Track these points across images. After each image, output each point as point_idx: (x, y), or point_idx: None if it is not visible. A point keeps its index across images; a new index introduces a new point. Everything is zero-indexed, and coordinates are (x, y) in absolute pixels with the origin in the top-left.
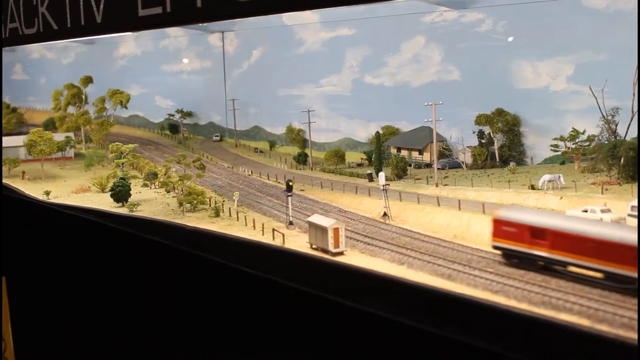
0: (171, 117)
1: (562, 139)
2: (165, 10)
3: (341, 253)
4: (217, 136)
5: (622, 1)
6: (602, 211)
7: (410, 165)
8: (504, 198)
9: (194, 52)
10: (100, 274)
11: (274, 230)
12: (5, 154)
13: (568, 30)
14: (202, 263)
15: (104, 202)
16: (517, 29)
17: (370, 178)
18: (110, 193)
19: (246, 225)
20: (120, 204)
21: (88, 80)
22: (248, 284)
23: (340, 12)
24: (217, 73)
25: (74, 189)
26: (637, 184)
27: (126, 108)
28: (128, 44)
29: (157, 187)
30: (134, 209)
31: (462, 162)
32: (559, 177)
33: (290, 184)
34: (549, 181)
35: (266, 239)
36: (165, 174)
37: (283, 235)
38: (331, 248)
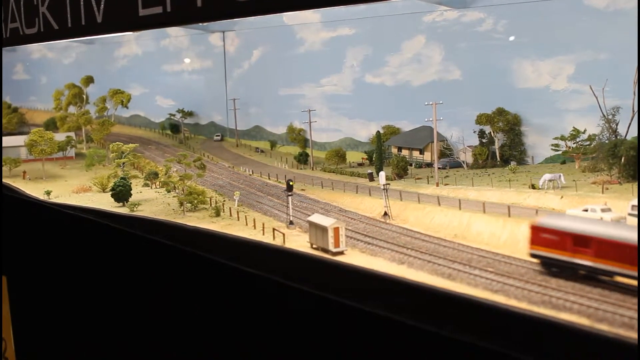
0: (172, 117)
1: (562, 138)
2: (166, 10)
3: (341, 252)
4: (218, 136)
5: (622, 0)
6: (603, 210)
7: (411, 165)
8: (504, 197)
9: (194, 51)
10: (100, 274)
11: (274, 229)
12: (6, 153)
13: (569, 30)
14: (203, 263)
15: (105, 202)
16: (518, 28)
17: (371, 178)
18: (111, 193)
19: (247, 224)
20: (121, 203)
21: (89, 80)
22: (248, 283)
23: (341, 12)
24: (218, 73)
25: (74, 188)
26: (637, 183)
27: (127, 108)
28: (129, 44)
29: (157, 186)
30: (135, 209)
31: (463, 162)
32: (560, 176)
33: (291, 183)
34: (550, 180)
35: (267, 238)
36: (165, 174)
37: (283, 234)
38: (331, 247)
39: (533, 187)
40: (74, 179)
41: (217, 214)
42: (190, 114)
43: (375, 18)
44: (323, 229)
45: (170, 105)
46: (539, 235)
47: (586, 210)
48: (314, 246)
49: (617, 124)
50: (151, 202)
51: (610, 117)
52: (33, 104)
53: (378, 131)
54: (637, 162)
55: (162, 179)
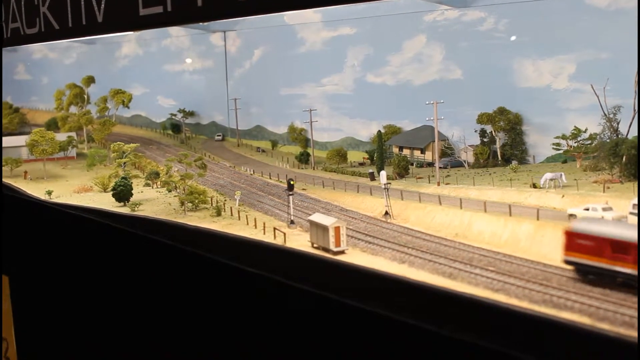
0: (173, 117)
1: (564, 137)
2: (166, 9)
3: (342, 252)
4: (219, 136)
5: None
6: (604, 209)
7: (412, 164)
8: (505, 197)
9: (195, 51)
10: (101, 273)
11: (275, 229)
12: (7, 153)
13: (570, 29)
14: (204, 262)
15: (106, 202)
16: (519, 27)
17: (372, 177)
18: (112, 193)
19: (247, 224)
20: (122, 203)
21: (90, 80)
22: (249, 282)
23: (342, 12)
24: (219, 72)
25: (76, 188)
26: (637, 182)
27: (128, 108)
28: (130, 44)
29: (158, 186)
30: (136, 209)
31: (464, 161)
32: (561, 175)
33: (292, 182)
34: (551, 179)
35: (267, 238)
36: (166, 174)
37: (284, 234)
38: (332, 247)
39: (534, 186)
40: (75, 178)
41: (218, 214)
42: (191, 113)
43: (376, 18)
44: (324, 228)
45: (172, 105)
46: (575, 241)
47: (587, 209)
48: (315, 245)
49: (618, 123)
50: (152, 202)
51: (611, 116)
52: (34, 104)
53: (379, 131)
54: (637, 161)
55: (163, 179)
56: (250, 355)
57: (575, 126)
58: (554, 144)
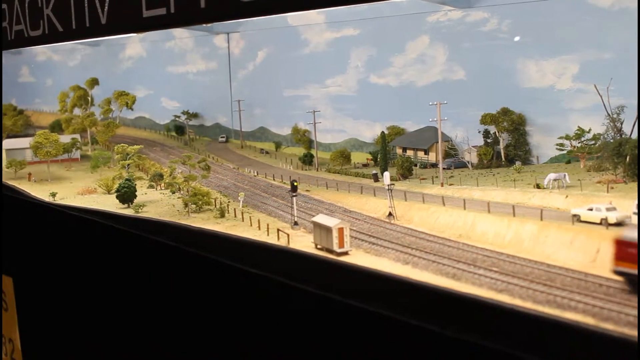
0: (177, 119)
1: (567, 137)
2: (170, 11)
3: (346, 253)
4: (223, 137)
5: None
6: (608, 209)
7: (415, 165)
8: (509, 197)
9: (199, 53)
10: (105, 275)
11: (279, 230)
12: (11, 155)
13: (572, 29)
14: (207, 263)
15: (110, 204)
16: (522, 27)
17: (375, 178)
18: (116, 194)
19: (251, 225)
20: (126, 205)
21: (94, 82)
22: (253, 284)
23: (345, 13)
24: (223, 74)
25: (80, 190)
26: (637, 183)
27: (132, 110)
28: (134, 46)
29: (162, 188)
30: (140, 210)
31: (468, 162)
32: (565, 175)
33: (295, 184)
34: (555, 180)
35: (271, 239)
36: (170, 175)
37: (288, 235)
38: (336, 248)
39: (538, 186)
40: (79, 180)
41: (222, 215)
42: (195, 115)
43: (379, 19)
44: (327, 230)
45: (175, 107)
46: (626, 250)
47: (591, 210)
48: (319, 246)
49: (621, 123)
50: (156, 204)
51: (615, 116)
52: (38, 106)
53: (383, 132)
54: (638, 162)
55: (167, 180)
56: (253, 356)
57: (578, 126)
58: (557, 145)
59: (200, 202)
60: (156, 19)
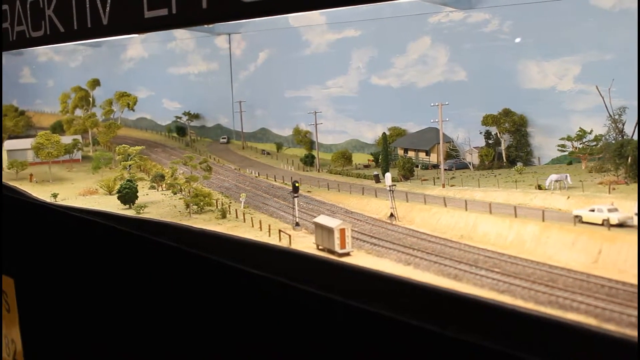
0: (178, 120)
1: (569, 138)
2: (171, 11)
3: (348, 254)
4: (224, 138)
5: (628, 0)
6: (610, 210)
7: (417, 166)
8: (511, 198)
9: (201, 54)
10: (107, 276)
11: (280, 231)
12: (13, 156)
13: (574, 30)
14: (209, 264)
15: (111, 204)
16: (523, 29)
17: (377, 179)
18: (117, 195)
19: (253, 226)
20: (128, 206)
21: (95, 83)
22: (254, 285)
23: (346, 14)
24: (224, 75)
25: (81, 191)
26: (637, 183)
27: (133, 110)
28: (135, 47)
29: (164, 189)
30: (141, 211)
31: (469, 163)
32: (566, 176)
33: (297, 184)
34: (556, 181)
35: (273, 240)
36: (172, 176)
37: (289, 236)
38: (337, 249)
39: (539, 187)
40: (80, 181)
41: (223, 216)
42: (196, 116)
43: (380, 20)
44: (329, 231)
45: (177, 108)
46: None
47: (593, 211)
48: (320, 247)
49: (623, 124)
50: (157, 204)
51: (616, 117)
52: (40, 107)
53: (384, 133)
54: (638, 162)
55: (169, 181)
56: (255, 357)
57: (580, 127)
58: (559, 146)
59: (201, 203)
60: (158, 19)
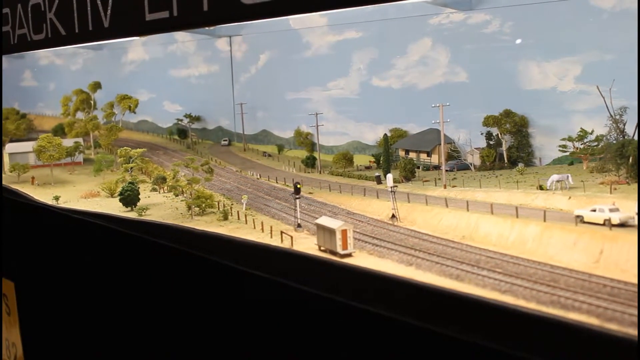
0: (180, 122)
1: (570, 139)
2: (172, 14)
3: (349, 255)
4: (226, 140)
5: (628, 0)
6: (611, 210)
7: (418, 167)
8: (512, 199)
9: (202, 56)
10: (108, 278)
11: (282, 232)
12: (15, 159)
13: (575, 30)
14: (211, 266)
15: (113, 207)
16: (524, 29)
17: (378, 180)
18: (119, 197)
19: (254, 228)
20: (129, 208)
21: (97, 85)
22: (256, 286)
23: (347, 15)
24: (225, 77)
25: (83, 193)
26: (637, 184)
27: (134, 113)
28: (136, 50)
29: (165, 191)
30: (143, 213)
31: (471, 164)
32: (567, 177)
33: (298, 186)
34: (558, 181)
35: (274, 241)
36: (173, 178)
37: (291, 237)
38: (339, 250)
39: (541, 188)
40: (82, 184)
41: (225, 218)
42: (197, 118)
43: (381, 21)
44: (331, 231)
45: (178, 110)
46: None
47: (594, 211)
48: (322, 248)
49: (624, 124)
50: (159, 207)
51: (617, 117)
52: (41, 110)
53: (385, 134)
54: (638, 163)
55: (170, 183)
56: (257, 358)
57: (581, 128)
58: (560, 146)
59: (203, 205)
60: (159, 22)
